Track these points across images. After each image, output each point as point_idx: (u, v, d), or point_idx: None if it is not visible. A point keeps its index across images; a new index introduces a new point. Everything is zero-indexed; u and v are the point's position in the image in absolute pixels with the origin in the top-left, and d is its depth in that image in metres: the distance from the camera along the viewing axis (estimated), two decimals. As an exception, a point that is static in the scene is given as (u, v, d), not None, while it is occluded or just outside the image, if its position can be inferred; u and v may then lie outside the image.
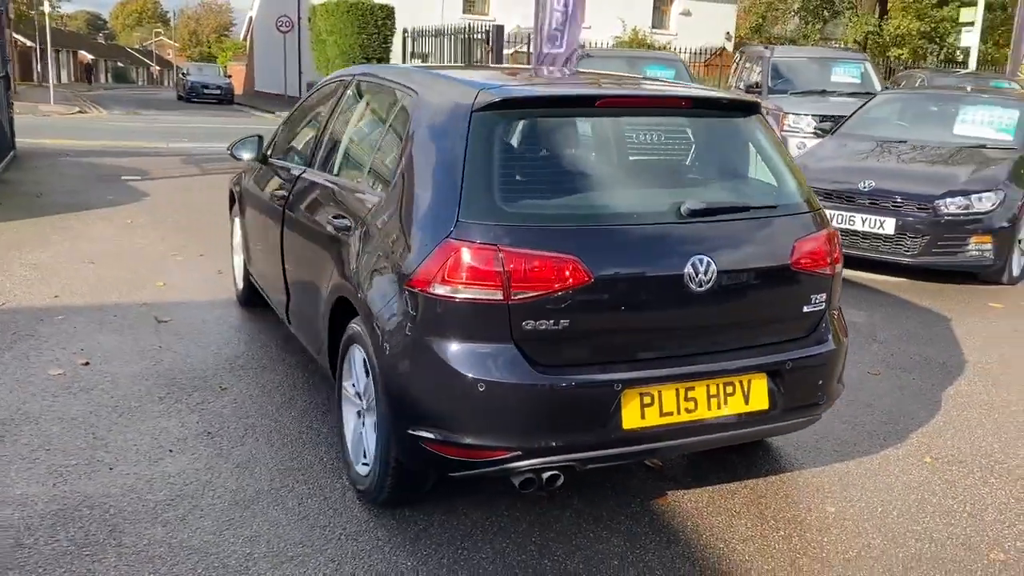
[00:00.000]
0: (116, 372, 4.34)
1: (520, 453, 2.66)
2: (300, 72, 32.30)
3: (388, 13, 27.79)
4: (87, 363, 4.45)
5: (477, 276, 2.61)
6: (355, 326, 3.10)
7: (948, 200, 6.48)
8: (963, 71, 18.25)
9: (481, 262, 2.61)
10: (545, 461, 2.69)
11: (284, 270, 4.07)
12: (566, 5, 11.88)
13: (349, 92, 3.86)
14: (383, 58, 28.09)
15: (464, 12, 33.00)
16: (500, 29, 11.15)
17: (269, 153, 4.66)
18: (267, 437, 3.68)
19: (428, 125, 3.01)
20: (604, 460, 2.79)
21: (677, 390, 2.77)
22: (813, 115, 11.23)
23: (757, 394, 2.90)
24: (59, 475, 3.28)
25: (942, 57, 31.48)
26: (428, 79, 3.30)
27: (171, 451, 3.52)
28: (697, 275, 2.74)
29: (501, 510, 3.14)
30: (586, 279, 2.63)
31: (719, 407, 2.83)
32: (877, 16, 31.71)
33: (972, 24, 19.66)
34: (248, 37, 41.52)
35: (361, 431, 3.20)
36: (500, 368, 2.63)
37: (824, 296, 3.06)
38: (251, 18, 39.74)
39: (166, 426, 3.75)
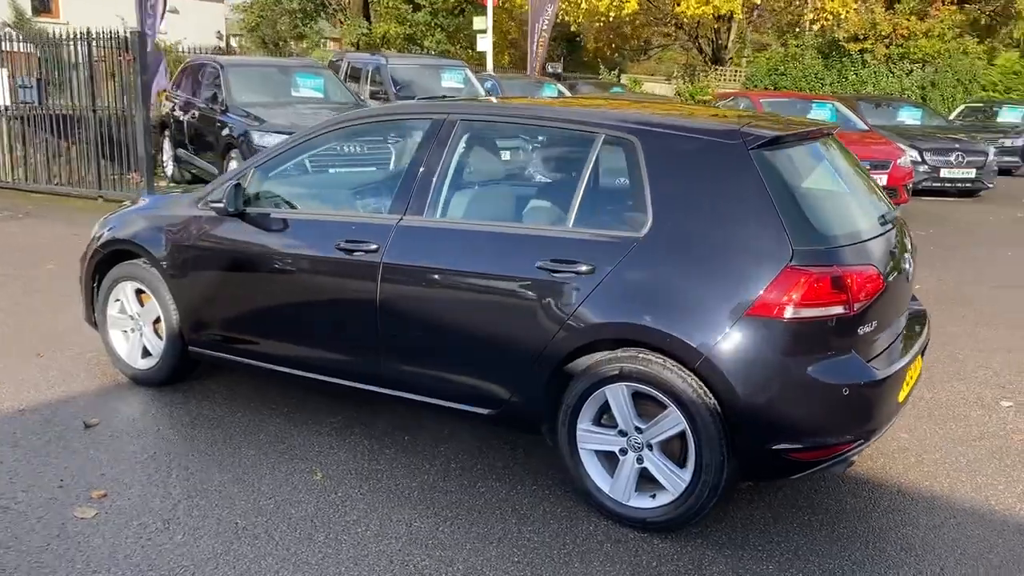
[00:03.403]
0: (157, 494, 3.45)
1: (861, 441, 3.12)
2: None
3: None
4: (104, 494, 3.43)
5: (828, 295, 2.98)
6: (624, 365, 3.16)
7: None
8: (487, 72, 20.91)
9: (830, 283, 2.98)
10: (869, 442, 3.18)
11: (379, 329, 3.67)
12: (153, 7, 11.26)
13: (466, 133, 3.61)
14: None
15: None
16: (143, 37, 9.88)
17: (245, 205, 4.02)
18: (474, 506, 3.41)
19: (690, 166, 3.20)
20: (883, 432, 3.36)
21: (907, 367, 3.45)
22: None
23: (919, 362, 3.70)
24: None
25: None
26: (641, 124, 3.37)
27: (414, 548, 3.10)
28: (909, 268, 3.46)
29: (741, 509, 3.49)
30: (882, 284, 3.17)
31: (912, 378, 3.57)
32: (365, 20, 34.15)
33: (485, 31, 22.43)
34: None
35: (634, 466, 3.25)
36: (854, 371, 3.05)
37: (911, 276, 4.00)
38: None
39: (352, 526, 3.23)
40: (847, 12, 24.46)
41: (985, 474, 3.83)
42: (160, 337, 4.48)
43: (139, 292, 4.51)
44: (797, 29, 28.21)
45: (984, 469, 3.88)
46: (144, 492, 3.46)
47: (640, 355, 3.16)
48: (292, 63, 12.87)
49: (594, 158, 3.40)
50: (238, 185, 4.00)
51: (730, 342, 2.99)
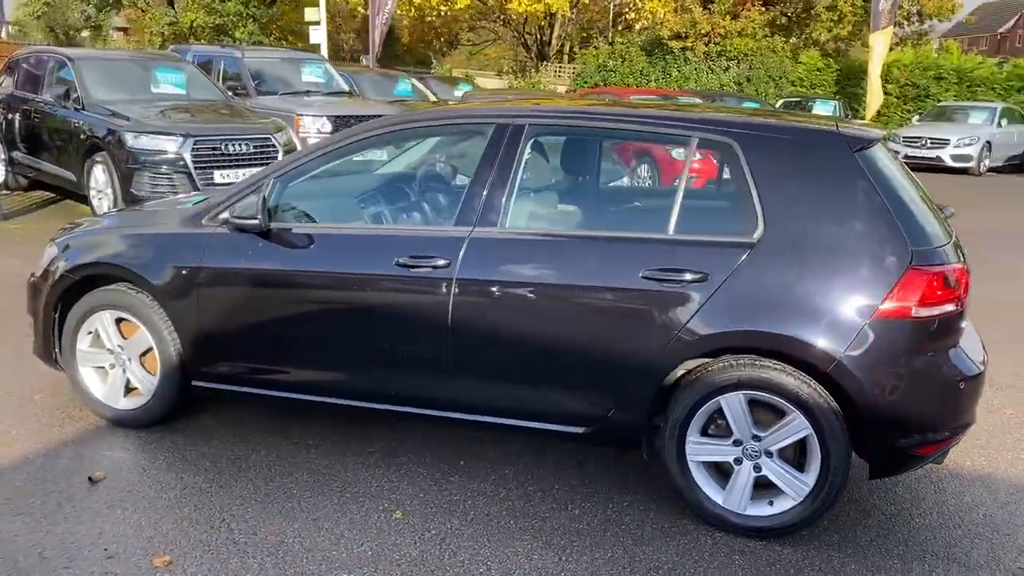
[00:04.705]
0: (232, 554, 3.02)
1: (961, 432, 3.24)
2: None
3: None
4: (169, 561, 2.96)
5: (944, 294, 3.06)
6: (742, 373, 3.11)
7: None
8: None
9: (947, 282, 3.07)
10: (964, 433, 3.31)
11: (452, 350, 3.40)
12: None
13: (537, 137, 3.40)
14: None
15: None
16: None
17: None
18: (581, 531, 3.24)
19: (797, 169, 3.17)
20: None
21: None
22: (328, 116, 11.58)
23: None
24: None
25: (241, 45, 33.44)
26: (738, 127, 3.29)
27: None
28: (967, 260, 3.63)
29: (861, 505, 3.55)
30: (969, 279, 3.30)
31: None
32: (170, 8, 32.10)
33: (318, 23, 21.59)
34: None
35: (750, 475, 3.20)
36: (966, 365, 3.16)
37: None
38: None
39: (471, 567, 2.97)
40: (665, 12, 25.71)
41: (1009, 449, 4.12)
42: (150, 372, 3.93)
43: (119, 321, 3.94)
44: (620, 28, 29.31)
45: (1005, 444, 4.17)
46: (214, 554, 3.01)
47: (757, 362, 3.12)
48: (150, 57, 11.77)
49: (689, 162, 3.31)
50: (264, 199, 3.56)
51: (861, 345, 3.01)
